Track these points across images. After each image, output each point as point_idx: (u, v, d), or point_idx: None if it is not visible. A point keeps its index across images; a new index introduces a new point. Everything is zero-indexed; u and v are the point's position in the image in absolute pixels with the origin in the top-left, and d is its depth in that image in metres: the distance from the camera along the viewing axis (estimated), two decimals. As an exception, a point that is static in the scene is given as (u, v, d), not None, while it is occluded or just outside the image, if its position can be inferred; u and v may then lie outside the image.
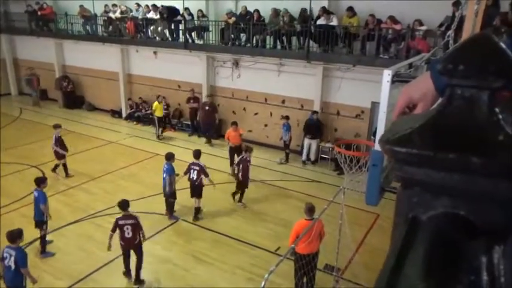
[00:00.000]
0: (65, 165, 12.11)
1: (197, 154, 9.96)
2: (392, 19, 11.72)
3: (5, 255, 6.56)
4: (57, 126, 12.14)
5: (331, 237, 7.73)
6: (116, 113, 19.05)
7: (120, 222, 7.40)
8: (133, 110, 18.10)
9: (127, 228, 7.36)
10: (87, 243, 8.78)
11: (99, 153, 14.38)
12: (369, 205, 5.16)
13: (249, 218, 10.00)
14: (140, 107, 17.92)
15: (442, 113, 0.65)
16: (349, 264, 7.93)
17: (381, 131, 4.70)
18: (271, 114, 15.00)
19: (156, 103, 15.77)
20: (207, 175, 9.69)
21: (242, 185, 10.45)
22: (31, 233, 8.75)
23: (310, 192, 11.45)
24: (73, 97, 20.33)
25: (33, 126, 17.44)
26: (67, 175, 12.10)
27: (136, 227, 7.45)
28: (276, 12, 13.76)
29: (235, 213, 10.24)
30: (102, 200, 10.70)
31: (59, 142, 11.91)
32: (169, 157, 9.82)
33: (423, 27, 11.36)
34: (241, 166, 10.34)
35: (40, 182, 8.57)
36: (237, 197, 10.61)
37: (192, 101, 15.90)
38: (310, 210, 7.06)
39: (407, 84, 1.14)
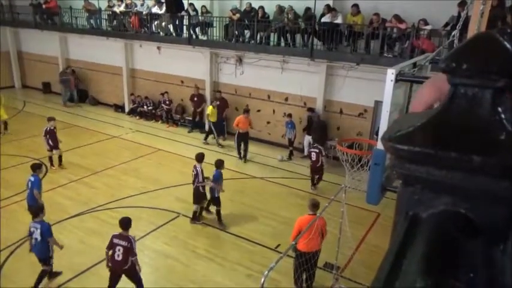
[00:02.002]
0: (51, 158, 12.34)
1: (199, 157, 9.34)
2: (397, 18, 11.66)
3: (31, 229, 7.14)
4: (50, 119, 12.28)
5: (331, 236, 7.74)
6: (118, 108, 19.08)
7: (114, 240, 6.66)
8: (136, 104, 18.11)
9: (118, 250, 6.58)
10: (89, 237, 8.82)
11: (102, 147, 14.41)
12: (369, 204, 5.17)
13: (250, 215, 10.01)
14: (142, 102, 17.93)
15: (444, 112, 0.65)
16: (349, 262, 7.94)
17: (383, 129, 4.70)
18: (274, 111, 14.99)
19: (210, 107, 14.80)
20: (202, 181, 9.15)
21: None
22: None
23: (311, 190, 11.46)
24: (77, 91, 20.36)
25: (37, 119, 17.49)
26: (52, 165, 12.35)
27: (129, 251, 6.61)
28: (280, 9, 13.73)
29: (236, 209, 10.25)
30: (104, 194, 10.74)
31: (50, 135, 12.12)
32: (219, 164, 9.40)
33: (428, 27, 11.31)
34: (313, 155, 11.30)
35: (36, 167, 8.98)
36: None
37: (196, 98, 15.89)
38: (314, 205, 7.04)
39: (434, 77, 1.07)
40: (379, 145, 4.74)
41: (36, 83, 22.43)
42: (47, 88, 21.97)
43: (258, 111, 15.27)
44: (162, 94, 17.08)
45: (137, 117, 17.94)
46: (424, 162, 0.63)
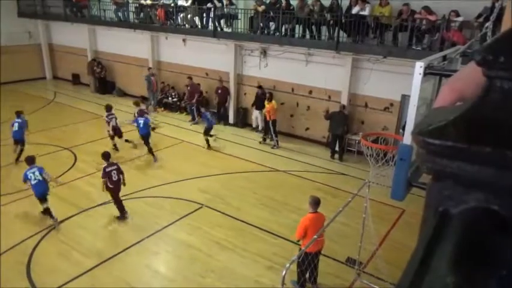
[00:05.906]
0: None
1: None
2: (427, 9, 11.33)
3: (28, 176, 8.45)
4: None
5: (354, 231, 7.69)
6: (145, 99, 19.39)
7: (107, 169, 8.86)
8: (163, 95, 18.38)
9: (113, 173, 8.90)
10: (113, 224, 9.07)
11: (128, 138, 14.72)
12: (394, 200, 5.10)
13: (273, 208, 10.04)
14: (168, 93, 18.17)
15: (478, 106, 0.63)
16: (372, 258, 7.86)
17: (410, 124, 4.60)
18: (297, 104, 14.92)
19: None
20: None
21: None
22: (59, 213, 9.16)
23: (334, 184, 11.39)
24: (104, 82, 20.83)
25: (67, 109, 18.05)
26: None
27: (119, 170, 9.06)
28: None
29: (259, 202, 10.30)
30: (128, 184, 10.93)
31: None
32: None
33: (460, 18, 10.93)
34: None
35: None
36: None
37: (220, 91, 16.03)
38: (316, 203, 6.72)
39: (456, 76, 0.83)
40: (406, 140, 4.65)
41: (66, 74, 23.09)
42: (76, 79, 22.60)
43: (282, 104, 15.21)
44: (187, 86, 17.25)
45: (162, 108, 18.21)
46: (456, 157, 0.62)
